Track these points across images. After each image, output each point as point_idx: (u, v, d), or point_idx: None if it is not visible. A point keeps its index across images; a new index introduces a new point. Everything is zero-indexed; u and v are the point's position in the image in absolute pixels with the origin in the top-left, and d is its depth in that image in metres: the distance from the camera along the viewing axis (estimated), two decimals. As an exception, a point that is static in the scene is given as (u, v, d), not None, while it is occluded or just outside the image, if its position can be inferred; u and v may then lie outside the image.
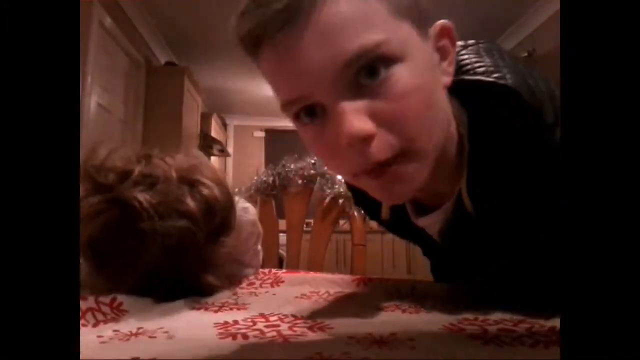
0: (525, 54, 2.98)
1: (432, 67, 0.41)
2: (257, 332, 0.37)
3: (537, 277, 0.54)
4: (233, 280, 0.62)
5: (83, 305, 0.41)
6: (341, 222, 1.23)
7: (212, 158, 4.44)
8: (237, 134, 5.38)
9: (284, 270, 0.74)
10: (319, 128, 0.39)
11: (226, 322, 0.40)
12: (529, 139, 0.43)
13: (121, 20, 2.66)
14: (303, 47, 0.36)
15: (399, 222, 0.59)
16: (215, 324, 0.40)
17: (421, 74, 0.38)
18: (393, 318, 0.43)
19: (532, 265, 0.54)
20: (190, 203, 0.49)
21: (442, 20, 0.43)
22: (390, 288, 0.58)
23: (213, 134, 4.17)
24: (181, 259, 0.49)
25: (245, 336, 0.36)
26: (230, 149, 5.07)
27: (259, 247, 0.74)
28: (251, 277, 0.68)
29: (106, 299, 0.44)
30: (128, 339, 0.35)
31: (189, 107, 3.28)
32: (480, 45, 0.50)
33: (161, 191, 0.49)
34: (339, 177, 1.21)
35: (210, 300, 0.50)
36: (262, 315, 0.43)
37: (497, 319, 0.40)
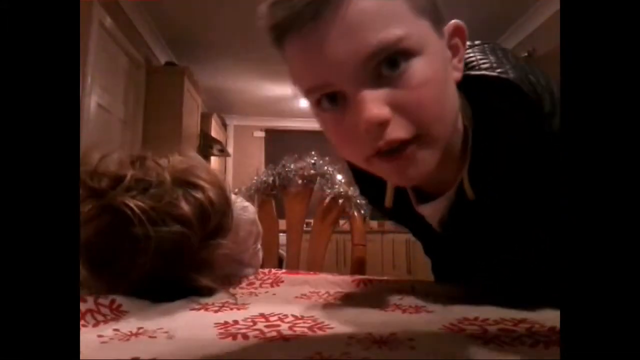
0: (525, 54, 2.98)
1: (445, 62, 0.44)
2: (257, 332, 0.37)
3: (537, 273, 0.54)
4: (232, 280, 0.62)
5: (82, 307, 0.41)
6: (341, 222, 1.23)
7: (212, 158, 4.44)
8: (237, 134, 5.39)
9: (283, 270, 0.74)
10: (339, 115, 0.42)
11: (226, 322, 0.40)
12: (528, 128, 0.46)
13: (121, 20, 2.66)
14: (329, 39, 0.38)
15: (401, 211, 0.61)
16: (215, 324, 0.40)
17: (436, 67, 0.42)
18: (393, 318, 0.43)
19: (532, 262, 0.55)
20: (184, 207, 0.49)
21: (455, 21, 0.46)
22: (390, 288, 0.58)
23: (213, 134, 4.17)
24: (176, 262, 0.49)
25: (245, 336, 0.36)
26: (230, 149, 5.07)
27: (259, 246, 0.74)
28: (251, 277, 0.67)
29: (105, 301, 0.44)
30: (128, 339, 0.35)
31: (189, 107, 3.28)
32: (486, 45, 0.53)
33: (154, 196, 0.48)
34: (339, 177, 1.21)
35: (210, 300, 0.50)
36: (262, 315, 0.43)
37: (497, 319, 0.40)
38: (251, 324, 0.40)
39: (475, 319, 0.40)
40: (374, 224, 4.30)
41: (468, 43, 0.51)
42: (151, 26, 3.10)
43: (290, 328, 0.38)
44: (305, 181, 1.24)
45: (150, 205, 0.47)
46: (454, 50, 0.46)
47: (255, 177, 1.30)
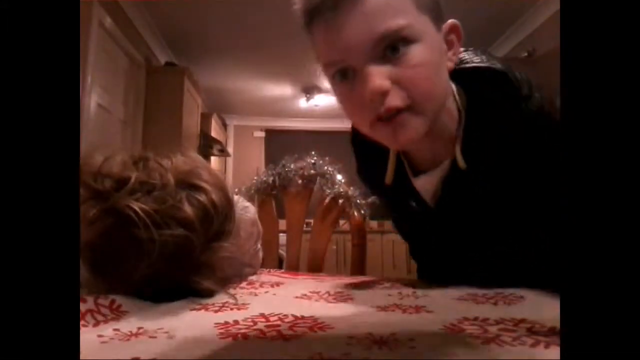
0: (525, 54, 2.98)
1: (440, 52, 0.54)
2: (257, 332, 0.37)
3: (531, 266, 0.56)
4: (233, 281, 0.62)
5: (82, 307, 0.41)
6: (341, 222, 1.23)
7: (212, 158, 4.44)
8: (237, 134, 5.39)
9: (283, 271, 0.74)
10: (350, 86, 0.52)
11: (226, 322, 0.40)
12: (510, 107, 0.57)
13: (121, 20, 2.66)
14: (346, 25, 0.49)
15: (398, 190, 0.68)
16: (215, 324, 0.40)
17: (431, 54, 0.51)
18: (393, 318, 0.43)
19: (527, 255, 0.57)
20: (188, 210, 0.49)
21: (452, 20, 0.56)
22: (390, 288, 0.58)
23: (213, 134, 4.17)
24: (178, 266, 0.49)
25: (245, 336, 0.36)
26: (230, 149, 5.07)
27: (259, 246, 0.74)
28: (251, 277, 0.68)
29: (105, 301, 0.44)
30: (128, 339, 0.35)
31: (189, 107, 3.28)
32: (477, 49, 0.64)
33: (158, 198, 0.48)
34: (339, 177, 1.21)
35: (210, 300, 0.50)
36: (262, 315, 0.43)
37: (497, 319, 0.40)
38: (251, 324, 0.40)
39: (475, 319, 0.40)
40: (374, 224, 4.31)
41: (462, 49, 0.61)
42: (151, 26, 3.10)
43: (290, 328, 0.38)
44: (305, 181, 1.24)
45: (154, 208, 0.47)
46: (450, 44, 0.56)
47: (255, 177, 1.30)
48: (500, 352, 0.31)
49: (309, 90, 4.37)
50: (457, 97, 0.59)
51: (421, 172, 0.64)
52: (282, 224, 1.27)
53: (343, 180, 1.21)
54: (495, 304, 0.47)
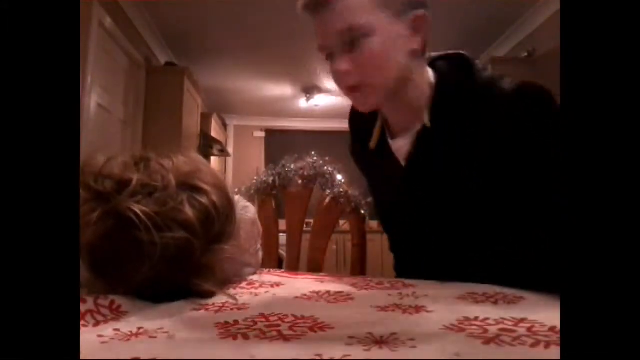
0: (525, 54, 2.98)
1: (396, 40, 0.68)
2: (257, 332, 0.37)
3: (532, 266, 0.57)
4: (233, 281, 0.62)
5: (82, 307, 0.41)
6: (341, 222, 1.23)
7: (212, 158, 4.44)
8: (237, 134, 5.39)
9: (283, 271, 0.74)
10: (333, 65, 0.71)
11: (226, 322, 0.40)
12: (468, 78, 0.72)
13: (121, 20, 2.66)
14: (327, 20, 0.68)
15: (381, 153, 0.82)
16: (215, 324, 0.40)
17: (384, 44, 0.67)
18: (393, 318, 0.43)
19: (527, 256, 0.58)
20: (189, 212, 0.49)
21: (420, 11, 0.69)
22: (390, 288, 0.58)
23: (213, 134, 4.17)
24: (179, 268, 0.49)
25: (245, 336, 0.36)
26: (230, 149, 5.07)
27: (259, 246, 0.74)
28: (251, 277, 0.67)
29: (105, 302, 0.44)
30: (128, 339, 0.35)
31: (189, 107, 3.28)
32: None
33: (159, 200, 0.48)
34: (339, 177, 1.21)
35: (210, 300, 0.50)
36: (262, 315, 0.43)
37: (497, 319, 0.40)
38: (251, 324, 0.40)
39: (475, 318, 0.40)
40: (374, 224, 4.29)
41: (441, 53, 0.78)
42: (151, 26, 3.10)
43: (290, 328, 0.38)
44: (305, 181, 1.24)
45: (155, 211, 0.47)
46: (417, 29, 0.69)
47: (255, 177, 1.30)
48: (500, 352, 0.31)
49: (309, 90, 4.37)
50: (430, 76, 0.75)
51: (399, 139, 0.79)
52: (282, 224, 1.27)
53: (343, 180, 1.21)
54: (495, 303, 0.47)
